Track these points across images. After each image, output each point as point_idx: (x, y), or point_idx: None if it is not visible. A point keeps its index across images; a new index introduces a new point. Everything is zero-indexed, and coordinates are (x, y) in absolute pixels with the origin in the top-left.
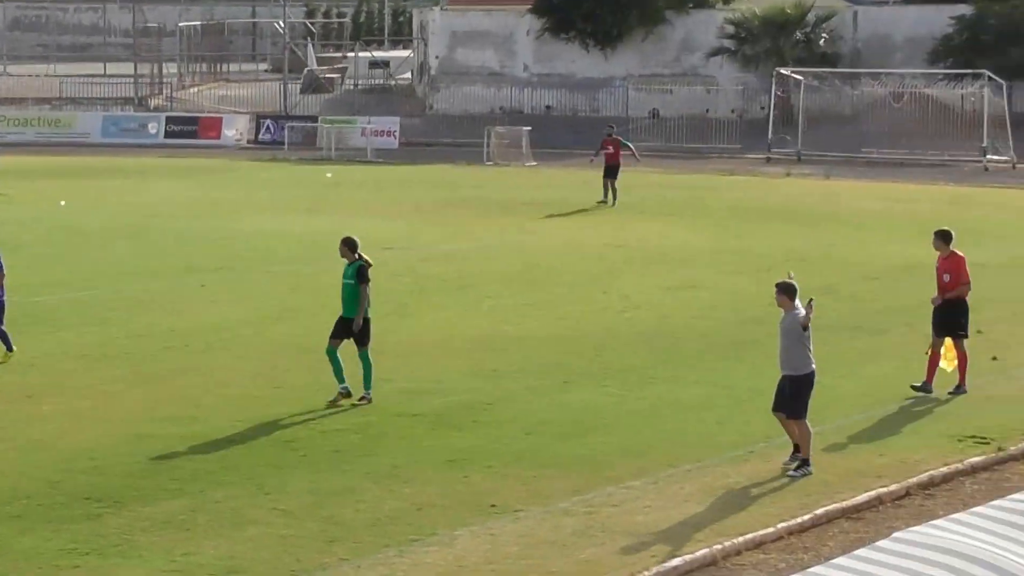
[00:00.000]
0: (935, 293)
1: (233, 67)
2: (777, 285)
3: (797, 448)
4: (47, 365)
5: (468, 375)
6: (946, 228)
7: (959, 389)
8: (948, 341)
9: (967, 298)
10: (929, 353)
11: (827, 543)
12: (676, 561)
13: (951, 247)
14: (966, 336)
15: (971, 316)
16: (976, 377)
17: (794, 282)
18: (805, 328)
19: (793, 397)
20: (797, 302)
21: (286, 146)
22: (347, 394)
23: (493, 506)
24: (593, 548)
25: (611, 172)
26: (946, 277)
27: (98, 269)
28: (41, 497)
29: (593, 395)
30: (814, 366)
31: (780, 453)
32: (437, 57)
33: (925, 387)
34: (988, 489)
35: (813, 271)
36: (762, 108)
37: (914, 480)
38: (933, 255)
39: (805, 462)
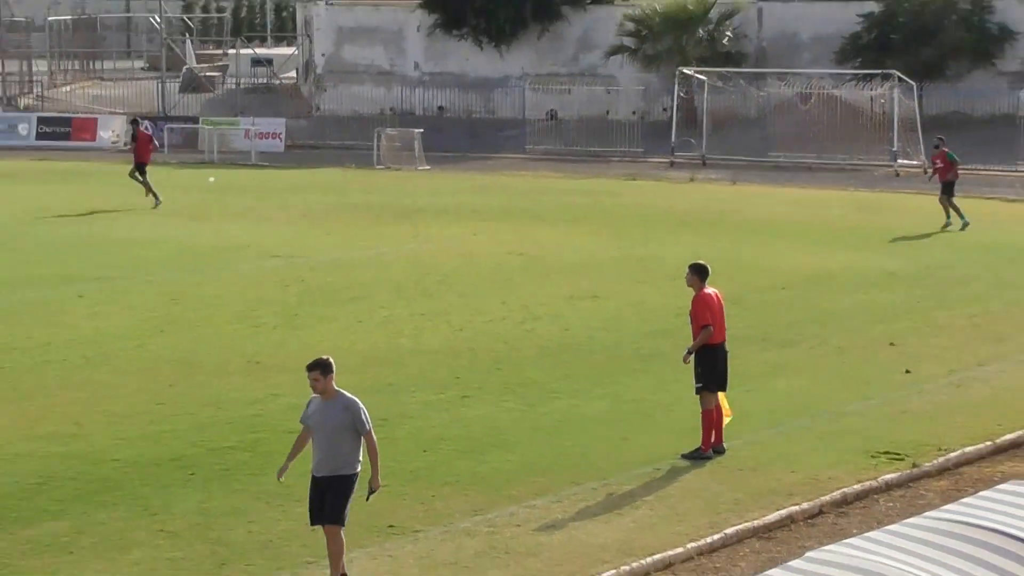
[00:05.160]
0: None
1: (107, 64)
2: (314, 365)
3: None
4: None
5: (362, 390)
6: (701, 262)
7: (717, 452)
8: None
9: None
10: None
11: (738, 563)
12: None
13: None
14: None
15: (882, 327)
16: (890, 391)
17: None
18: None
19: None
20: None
21: (166, 149)
22: None
23: (391, 527)
24: (496, 570)
25: (947, 189)
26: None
27: None
28: None
29: (493, 411)
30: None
31: (690, 468)
32: (323, 55)
33: (718, 451)
34: (903, 506)
35: (720, 280)
36: (664, 110)
37: (827, 498)
38: (845, 264)
39: None
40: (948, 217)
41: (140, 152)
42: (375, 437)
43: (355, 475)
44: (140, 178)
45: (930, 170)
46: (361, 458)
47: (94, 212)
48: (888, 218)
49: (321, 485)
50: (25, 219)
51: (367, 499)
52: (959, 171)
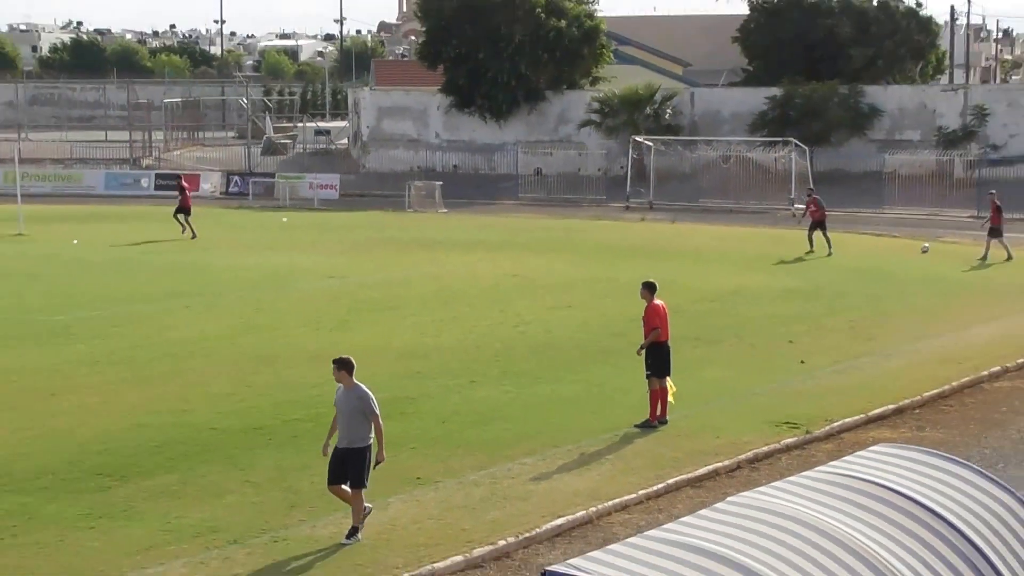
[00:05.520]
0: (648, 338)
1: (207, 134)
2: (337, 362)
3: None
4: (65, 370)
5: (396, 376)
6: (652, 280)
7: (661, 423)
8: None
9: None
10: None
11: (676, 506)
12: (560, 520)
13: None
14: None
15: (784, 329)
16: (789, 377)
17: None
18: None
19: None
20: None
21: (250, 197)
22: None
23: (418, 479)
24: (496, 511)
25: (818, 227)
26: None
27: (104, 294)
28: (62, 473)
29: (494, 392)
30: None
31: (641, 435)
32: (368, 126)
33: (662, 421)
34: (799, 463)
35: (664, 294)
36: (621, 167)
37: (743, 457)
38: (758, 283)
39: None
40: (813, 247)
41: (183, 201)
42: (381, 421)
43: (367, 448)
44: (183, 218)
45: (803, 212)
46: (371, 435)
47: (194, 240)
48: (787, 248)
49: (340, 454)
50: (144, 250)
51: (374, 467)
52: (826, 212)
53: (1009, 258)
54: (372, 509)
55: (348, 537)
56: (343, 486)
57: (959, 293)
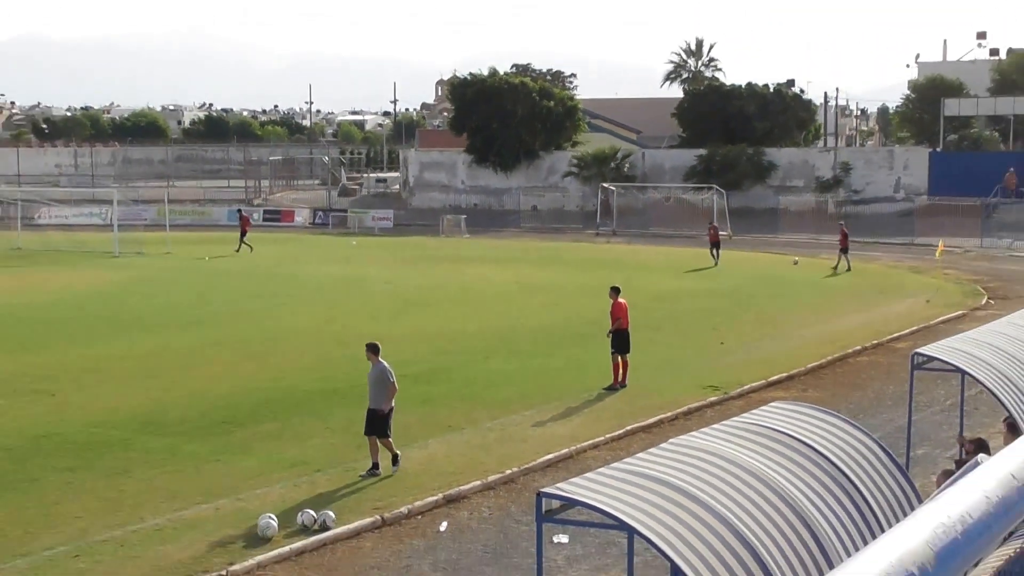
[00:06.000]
0: (614, 326)
1: (300, 182)
2: (367, 346)
3: (395, 458)
4: (199, 349)
5: (432, 353)
6: (616, 285)
7: (621, 386)
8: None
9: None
10: (620, 364)
11: (633, 445)
12: (550, 456)
13: (619, 297)
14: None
15: (709, 319)
16: (713, 354)
17: (377, 343)
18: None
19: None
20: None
21: (330, 226)
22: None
23: (449, 426)
24: (504, 449)
25: (717, 246)
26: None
27: (226, 295)
28: (197, 422)
29: (503, 364)
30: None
31: (607, 395)
32: (413, 176)
33: (622, 385)
34: (719, 416)
35: (624, 294)
36: (593, 205)
37: (680, 410)
38: (690, 286)
39: (396, 458)
40: (716, 261)
41: (243, 226)
42: (396, 388)
43: (389, 409)
44: (242, 239)
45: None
46: (392, 400)
47: (292, 259)
48: (710, 262)
49: (370, 413)
50: (253, 263)
51: (381, 415)
52: (721, 235)
53: (836, 270)
54: (379, 467)
55: (393, 465)
56: (375, 436)
57: (830, 294)
